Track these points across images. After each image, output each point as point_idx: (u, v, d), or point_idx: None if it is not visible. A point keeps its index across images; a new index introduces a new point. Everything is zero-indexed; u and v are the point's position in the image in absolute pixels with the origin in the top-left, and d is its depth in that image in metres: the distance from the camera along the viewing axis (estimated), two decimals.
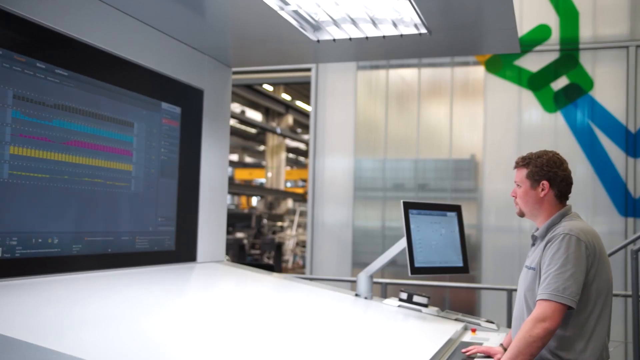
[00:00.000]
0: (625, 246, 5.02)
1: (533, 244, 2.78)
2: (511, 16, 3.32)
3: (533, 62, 7.14)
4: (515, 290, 5.91)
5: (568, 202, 2.78)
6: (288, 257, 18.66)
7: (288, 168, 26.78)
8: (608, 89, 6.90)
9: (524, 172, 2.77)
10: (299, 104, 20.50)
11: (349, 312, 3.49)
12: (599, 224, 6.87)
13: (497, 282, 6.66)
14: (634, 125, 6.78)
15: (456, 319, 3.47)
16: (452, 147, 7.46)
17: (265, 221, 18.66)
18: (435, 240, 3.58)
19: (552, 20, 7.08)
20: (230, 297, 3.47)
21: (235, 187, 22.20)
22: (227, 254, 4.56)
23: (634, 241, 4.90)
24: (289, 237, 19.31)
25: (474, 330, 3.28)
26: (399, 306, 3.61)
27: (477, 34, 3.72)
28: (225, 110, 4.57)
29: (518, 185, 2.79)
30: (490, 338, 3.13)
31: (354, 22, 3.54)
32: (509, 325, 5.49)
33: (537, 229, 2.75)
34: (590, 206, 6.91)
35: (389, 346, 2.74)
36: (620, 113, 6.84)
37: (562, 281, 2.44)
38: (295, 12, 3.42)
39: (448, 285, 6.49)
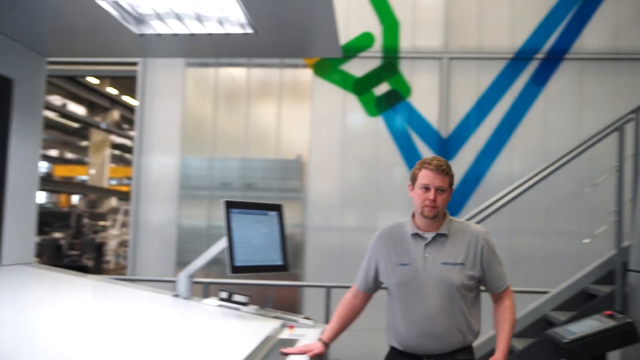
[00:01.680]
0: None
1: (425, 243, 2.92)
2: (333, 22, 3.43)
3: (357, 68, 7.43)
4: (335, 287, 6.19)
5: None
6: (110, 257, 17.85)
7: (113, 165, 25.64)
8: (424, 97, 7.36)
9: (447, 179, 2.89)
10: (126, 99, 19.74)
11: (166, 313, 3.40)
12: None
13: (320, 280, 6.83)
14: (446, 131, 7.29)
15: (275, 317, 3.51)
16: (279, 147, 7.56)
17: (86, 220, 17.73)
18: (256, 239, 3.60)
19: (375, 28, 7.42)
20: (34, 301, 3.23)
21: (54, 185, 20.90)
22: (41, 255, 4.25)
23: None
24: (112, 237, 18.51)
25: (291, 327, 3.34)
26: (219, 305, 3.58)
27: (301, 38, 3.80)
28: (38, 102, 4.27)
29: (442, 190, 2.87)
30: (307, 334, 3.20)
31: (178, 17, 3.47)
32: (326, 321, 5.69)
33: (430, 227, 2.93)
34: (406, 206, 7.32)
35: (205, 346, 2.70)
36: (434, 119, 7.33)
37: (504, 268, 2.99)
38: (116, 2, 3.28)
39: (270, 283, 6.55)
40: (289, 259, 3.83)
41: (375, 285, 3.13)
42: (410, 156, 7.33)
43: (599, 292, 4.71)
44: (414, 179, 2.93)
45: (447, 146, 7.30)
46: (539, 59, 7.23)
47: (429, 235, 2.91)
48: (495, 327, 2.95)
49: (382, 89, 7.42)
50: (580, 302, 4.94)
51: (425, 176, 2.87)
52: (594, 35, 7.18)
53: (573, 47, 7.20)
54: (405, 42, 7.37)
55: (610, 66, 7.13)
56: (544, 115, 7.21)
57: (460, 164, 7.28)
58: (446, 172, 2.88)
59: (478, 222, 5.14)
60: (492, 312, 3.00)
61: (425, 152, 7.31)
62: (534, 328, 5.01)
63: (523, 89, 7.25)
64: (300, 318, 3.55)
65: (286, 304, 7.26)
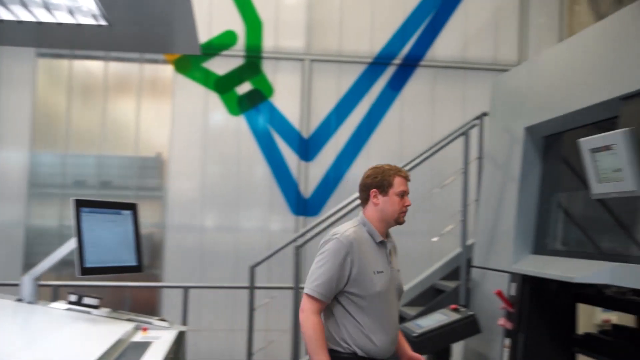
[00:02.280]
0: (291, 243, 5.45)
1: (387, 250, 2.99)
2: (191, 19, 3.38)
3: (220, 66, 7.36)
4: (193, 287, 6.11)
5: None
6: None
7: None
8: (286, 97, 7.42)
9: None
10: None
11: (6, 319, 3.19)
12: (275, 221, 7.35)
13: (180, 280, 6.71)
14: (307, 131, 7.41)
15: (128, 319, 3.40)
16: (138, 145, 7.32)
17: None
18: (109, 240, 3.46)
19: (239, 27, 7.39)
20: None
21: None
22: None
23: (297, 238, 5.35)
24: None
25: (145, 330, 3.25)
26: (67, 309, 3.41)
27: (159, 33, 3.71)
28: None
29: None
30: (162, 336, 3.13)
31: (23, 4, 3.26)
32: (184, 322, 5.60)
33: (387, 235, 3.02)
34: (267, 205, 7.36)
35: (47, 353, 2.56)
36: (296, 120, 7.42)
37: None
38: None
39: (127, 285, 6.35)
40: (145, 260, 3.72)
41: (334, 294, 2.88)
42: (271, 156, 7.37)
43: (446, 287, 4.98)
44: (387, 185, 2.93)
45: (307, 147, 7.41)
46: (396, 65, 7.53)
47: (390, 244, 3.01)
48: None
49: (244, 88, 7.40)
50: (430, 297, 5.20)
51: (401, 183, 2.96)
52: (446, 45, 7.59)
53: (427, 54, 7.56)
54: (269, 42, 7.41)
55: (459, 74, 7.57)
56: (399, 119, 7.52)
57: (321, 165, 7.42)
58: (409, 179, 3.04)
59: (336, 222, 5.27)
60: None
61: (287, 152, 7.38)
62: None
63: (380, 93, 7.52)
64: (155, 320, 3.45)
65: (144, 305, 7.06)
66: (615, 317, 6.33)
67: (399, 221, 2.98)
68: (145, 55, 7.26)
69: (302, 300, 2.85)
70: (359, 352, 2.82)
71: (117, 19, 3.43)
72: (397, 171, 2.98)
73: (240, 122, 7.38)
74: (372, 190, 2.94)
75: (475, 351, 4.37)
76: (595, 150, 2.88)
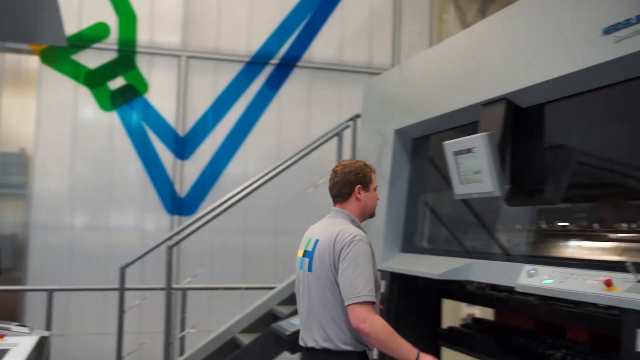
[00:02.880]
0: (164, 242, 5.33)
1: None
2: (56, 7, 3.21)
3: (91, 59, 7.07)
4: (58, 290, 5.82)
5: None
6: None
7: None
8: (161, 94, 7.25)
9: None
10: None
11: None
12: (149, 221, 7.16)
13: (45, 283, 6.37)
14: (183, 129, 7.27)
15: None
16: None
17: None
18: None
19: (111, 19, 7.12)
20: None
21: None
22: None
23: (171, 237, 5.24)
24: None
25: (2, 336, 3.05)
26: None
27: (20, 21, 3.49)
28: None
29: None
30: (21, 343, 2.96)
31: None
32: (48, 327, 5.33)
33: None
34: (141, 204, 7.15)
35: None
36: (171, 117, 7.26)
37: None
38: None
39: None
40: (6, 262, 3.49)
41: None
42: (145, 153, 7.17)
43: None
44: (368, 181, 2.93)
45: (184, 145, 7.28)
46: (273, 65, 7.56)
47: None
48: None
49: (117, 83, 7.15)
50: None
51: (375, 179, 2.99)
52: (323, 46, 7.72)
53: (304, 55, 7.66)
54: (143, 36, 7.20)
55: (336, 76, 7.73)
56: (277, 119, 7.56)
57: (197, 163, 7.32)
58: None
59: (210, 221, 5.21)
60: None
61: (162, 150, 7.21)
62: (262, 323, 5.21)
63: (258, 92, 7.53)
64: (14, 325, 3.25)
65: (6, 311, 6.63)
66: (478, 311, 6.71)
67: (373, 215, 3.02)
68: (6, 44, 6.82)
69: (355, 311, 2.61)
70: (367, 349, 2.78)
71: None
72: (371, 167, 3.00)
73: (112, 118, 7.12)
74: (357, 186, 2.90)
75: None
76: (458, 152, 3.03)
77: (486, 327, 3.74)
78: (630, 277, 2.19)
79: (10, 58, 6.91)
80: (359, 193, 2.90)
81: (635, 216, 2.60)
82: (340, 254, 2.68)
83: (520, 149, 3.02)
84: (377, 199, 3.01)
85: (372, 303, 2.63)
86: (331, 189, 2.97)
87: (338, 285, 2.68)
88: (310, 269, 2.80)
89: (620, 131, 2.66)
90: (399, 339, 2.62)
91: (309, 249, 2.86)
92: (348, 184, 2.90)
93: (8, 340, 3.01)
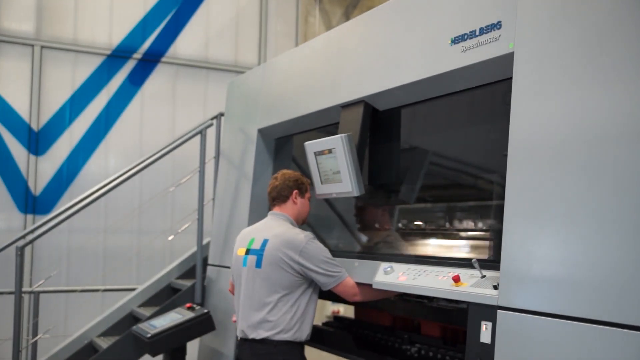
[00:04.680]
0: (13, 243, 4.99)
1: None
2: None
3: None
4: None
5: None
6: None
7: None
8: (12, 85, 6.79)
9: None
10: None
11: None
12: None
13: None
14: (37, 124, 6.86)
15: None
16: None
17: None
18: None
19: None
20: None
21: None
22: None
23: (23, 237, 4.93)
24: None
25: None
26: None
27: None
28: None
29: None
30: None
31: None
32: None
33: None
34: (3, 205, 6.71)
35: None
36: (24, 111, 6.83)
37: None
38: None
39: None
40: None
41: None
42: None
43: (182, 286, 4.95)
44: (304, 189, 3.25)
45: (38, 140, 6.87)
46: (136, 59, 7.32)
47: None
48: None
49: None
50: (167, 297, 5.13)
51: (309, 190, 3.31)
52: (188, 43, 7.58)
53: (169, 51, 7.48)
54: None
55: (201, 73, 7.62)
56: (140, 114, 7.33)
57: (54, 159, 6.95)
58: None
59: (66, 219, 4.96)
60: None
61: (13, 145, 6.76)
62: (122, 325, 5.04)
63: (120, 86, 7.25)
64: None
65: None
66: (342, 309, 6.88)
67: (305, 221, 3.35)
68: None
69: (343, 287, 3.00)
70: (301, 339, 3.08)
71: None
72: (307, 179, 3.31)
73: None
74: (294, 190, 3.22)
75: (211, 348, 4.42)
76: (319, 153, 3.09)
77: (347, 325, 3.84)
78: (476, 273, 2.33)
79: None
80: (296, 197, 3.22)
81: (482, 215, 2.78)
82: (303, 259, 2.98)
83: (378, 151, 3.13)
84: (309, 210, 3.33)
85: (349, 278, 3.00)
86: (271, 192, 3.27)
87: (300, 280, 3.02)
88: (258, 266, 3.07)
89: (467, 135, 2.83)
90: (380, 291, 2.94)
91: (256, 247, 3.13)
92: (287, 188, 3.22)
93: None
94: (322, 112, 3.37)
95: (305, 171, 3.51)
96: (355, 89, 3.07)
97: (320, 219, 3.83)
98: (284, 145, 3.99)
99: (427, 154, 3.04)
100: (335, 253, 3.29)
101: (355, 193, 2.96)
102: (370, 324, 3.63)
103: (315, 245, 3.02)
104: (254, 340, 3.05)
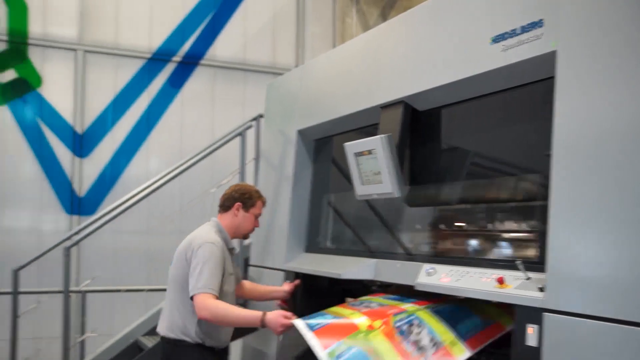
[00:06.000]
0: (60, 243, 5.12)
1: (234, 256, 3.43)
2: None
3: None
4: None
5: None
6: None
7: None
8: (57, 89, 6.98)
9: None
10: None
11: None
12: (46, 221, 6.89)
13: None
14: (81, 126, 7.01)
15: None
16: None
17: None
18: None
19: (0, 9, 6.77)
20: None
21: None
22: None
23: (70, 237, 5.05)
24: None
25: None
26: None
27: None
28: None
29: None
30: None
31: None
32: None
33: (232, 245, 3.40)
34: (37, 204, 6.87)
35: None
36: (69, 114, 6.99)
37: None
38: None
39: None
40: None
41: None
42: (41, 151, 6.88)
43: None
44: (250, 204, 3.36)
45: (82, 142, 7.04)
46: (176, 62, 7.42)
47: (235, 250, 3.45)
48: (257, 289, 3.72)
49: (7, 76, 6.81)
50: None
51: (260, 207, 3.43)
52: (226, 45, 7.66)
53: (207, 53, 7.57)
54: (36, 27, 6.88)
55: (239, 75, 7.68)
56: (180, 117, 7.44)
57: (97, 161, 7.11)
58: None
59: (111, 220, 5.06)
60: (239, 295, 3.60)
61: (59, 147, 6.94)
62: None
63: (160, 89, 7.37)
64: None
65: None
66: None
67: (246, 237, 3.53)
68: None
69: (197, 301, 2.99)
70: (207, 342, 3.16)
71: None
72: (260, 196, 3.42)
73: (3, 113, 6.79)
74: (237, 203, 3.34)
75: (253, 348, 4.45)
76: (359, 154, 3.08)
77: None
78: (520, 274, 2.30)
79: None
80: (237, 210, 3.34)
81: (524, 216, 2.74)
82: (192, 257, 3.09)
83: (418, 151, 3.12)
84: (255, 226, 3.45)
85: (212, 295, 3.00)
86: (220, 200, 3.43)
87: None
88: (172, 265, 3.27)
89: (510, 134, 2.79)
90: (239, 309, 3.07)
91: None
92: (231, 198, 3.36)
93: None
94: (361, 113, 3.36)
95: (345, 173, 3.52)
96: (394, 89, 3.06)
97: (360, 220, 3.82)
98: (323, 146, 3.99)
99: (468, 154, 3.01)
100: (376, 254, 3.29)
101: (396, 194, 2.95)
102: None
103: (209, 250, 3.09)
104: (163, 337, 3.23)
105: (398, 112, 3.02)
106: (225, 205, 3.38)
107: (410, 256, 3.21)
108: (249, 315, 3.04)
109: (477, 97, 2.74)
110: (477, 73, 2.54)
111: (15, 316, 5.19)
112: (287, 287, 3.67)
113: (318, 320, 2.72)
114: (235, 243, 3.64)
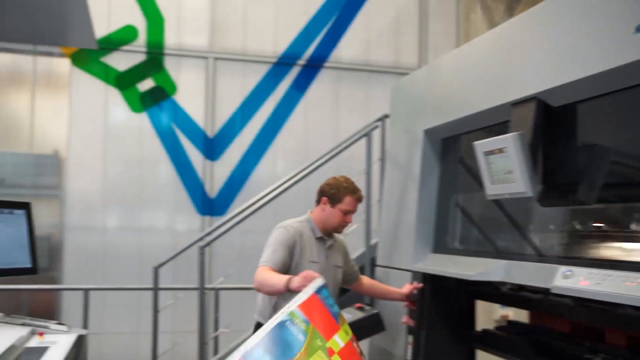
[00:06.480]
0: (196, 243, 5.38)
1: (326, 246, 3.40)
2: (85, 11, 3.26)
3: (120, 61, 7.17)
4: (94, 289, 5.91)
5: None
6: None
7: None
8: (189, 95, 7.32)
9: None
10: None
11: None
12: (180, 222, 7.24)
13: (80, 283, 6.48)
14: (212, 130, 7.33)
15: (22, 324, 3.25)
16: (33, 141, 7.00)
17: None
18: (0, 240, 3.30)
19: (139, 22, 7.21)
20: None
21: None
22: None
23: (202, 238, 5.29)
24: None
25: (41, 334, 3.11)
26: None
27: (51, 24, 3.56)
28: None
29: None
30: (59, 340, 3.01)
31: None
32: (85, 326, 5.42)
33: (328, 235, 3.40)
34: (172, 205, 7.23)
35: None
36: (200, 118, 7.32)
37: None
38: None
39: (22, 288, 6.06)
40: (42, 262, 3.56)
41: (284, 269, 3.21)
42: (176, 155, 7.25)
43: None
44: (336, 199, 3.31)
45: (213, 146, 7.34)
46: (300, 65, 7.57)
47: (330, 241, 3.41)
48: (375, 288, 3.78)
49: (146, 84, 7.24)
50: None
51: (349, 204, 3.33)
52: (349, 47, 7.72)
53: (331, 56, 7.66)
54: (171, 38, 7.28)
55: (363, 76, 7.72)
56: (304, 119, 7.58)
57: (226, 164, 7.38)
58: (362, 200, 3.42)
59: (242, 221, 5.24)
60: (356, 290, 3.80)
61: (192, 151, 7.28)
62: None
63: (285, 93, 7.55)
64: (52, 324, 3.31)
65: (43, 309, 6.76)
66: (511, 313, 6.65)
67: (337, 231, 3.41)
68: (38, 47, 6.94)
69: (257, 270, 3.13)
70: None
71: (4, 8, 3.26)
72: (351, 191, 3.34)
73: (142, 120, 7.21)
74: (324, 197, 3.35)
75: (381, 348, 4.46)
76: (489, 152, 3.00)
77: (521, 330, 3.70)
78: None
79: (42, 61, 7.03)
80: (325, 204, 3.34)
81: None
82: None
83: (552, 149, 2.99)
84: (343, 221, 3.36)
85: (265, 267, 3.11)
86: None
87: None
88: None
89: None
90: (271, 273, 3.05)
91: None
92: (320, 192, 3.39)
93: (47, 338, 3.06)
94: (490, 110, 3.28)
95: (474, 172, 3.44)
96: (526, 85, 2.96)
97: (490, 221, 3.73)
98: (451, 145, 3.93)
99: (608, 152, 2.85)
100: (506, 255, 3.20)
101: (530, 193, 2.85)
102: (548, 330, 3.48)
103: (276, 233, 3.24)
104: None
105: (531, 109, 2.92)
106: (316, 199, 3.42)
107: (543, 257, 3.09)
108: (278, 279, 2.98)
109: (618, 90, 2.60)
110: (619, 65, 2.40)
111: (155, 311, 5.49)
112: (406, 289, 3.67)
113: (333, 305, 2.51)
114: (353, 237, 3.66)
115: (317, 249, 3.33)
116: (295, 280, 2.80)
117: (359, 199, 3.39)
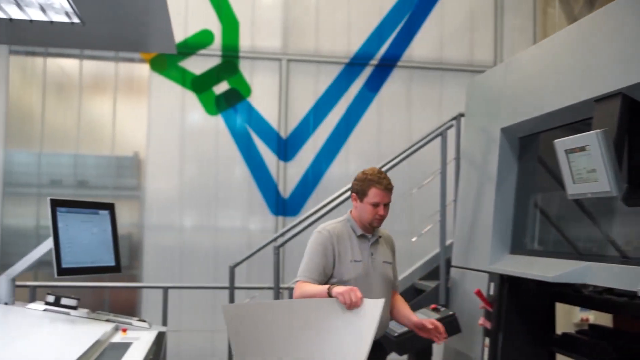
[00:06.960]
0: (270, 243, 5.45)
1: (370, 243, 3.25)
2: (166, 17, 3.36)
3: (197, 65, 7.33)
4: (172, 287, 6.08)
5: None
6: None
7: None
8: (263, 97, 7.42)
9: (391, 193, 3.22)
10: None
11: None
12: (254, 222, 7.34)
13: (158, 281, 6.68)
14: (285, 131, 7.40)
15: (107, 320, 3.37)
16: (114, 144, 7.26)
17: None
18: (86, 240, 3.44)
19: (215, 26, 7.36)
20: None
21: None
22: None
23: (276, 239, 5.35)
24: None
25: (124, 330, 3.23)
26: (45, 310, 3.38)
27: (133, 31, 3.68)
28: None
29: (387, 204, 3.21)
30: (142, 337, 3.11)
31: None
32: (164, 323, 5.58)
33: (370, 232, 3.25)
34: (246, 205, 7.35)
35: (25, 354, 2.54)
36: (274, 120, 7.41)
37: None
38: None
39: (105, 285, 6.31)
40: (123, 260, 3.69)
41: (326, 279, 3.17)
42: (250, 156, 7.36)
43: (426, 287, 5.00)
44: (362, 193, 3.18)
45: (286, 147, 7.41)
46: (373, 65, 7.55)
47: (373, 238, 3.26)
48: (400, 310, 3.36)
49: (221, 87, 7.38)
50: (410, 297, 5.21)
51: (375, 195, 3.15)
52: (422, 45, 7.63)
53: (403, 55, 7.60)
54: (245, 41, 7.39)
55: (436, 75, 7.63)
56: (377, 119, 7.55)
57: (300, 164, 7.43)
58: (391, 188, 3.20)
59: (316, 221, 5.27)
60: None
61: (265, 152, 7.37)
62: None
63: (358, 93, 7.54)
64: (134, 320, 3.43)
65: (124, 306, 7.00)
66: (592, 316, 6.43)
67: (372, 225, 3.22)
68: (120, 53, 7.20)
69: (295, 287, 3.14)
70: None
71: (91, 17, 3.39)
72: (376, 182, 3.17)
73: (218, 122, 7.36)
74: (353, 194, 3.25)
75: (456, 350, 4.40)
76: (570, 151, 2.92)
77: (604, 334, 3.58)
78: None
79: (123, 67, 7.28)
80: (355, 200, 3.24)
81: None
82: None
83: (638, 146, 2.88)
84: (375, 214, 3.17)
85: (302, 281, 3.10)
86: None
87: None
88: None
89: None
90: (308, 286, 3.04)
91: None
92: (351, 190, 3.30)
93: (130, 334, 3.16)
94: (571, 107, 3.19)
95: (553, 171, 3.35)
96: (611, 80, 2.86)
97: (570, 221, 3.62)
98: (529, 144, 3.84)
99: None
100: (588, 257, 3.10)
101: (614, 193, 2.75)
102: (632, 335, 3.35)
103: (311, 240, 3.23)
104: None
105: (616, 105, 2.82)
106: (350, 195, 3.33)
107: (628, 260, 2.98)
108: (320, 290, 2.94)
109: None
110: None
111: None
112: (416, 319, 3.28)
113: None
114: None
115: (359, 248, 3.22)
116: (334, 291, 2.83)
117: (386, 188, 3.18)
